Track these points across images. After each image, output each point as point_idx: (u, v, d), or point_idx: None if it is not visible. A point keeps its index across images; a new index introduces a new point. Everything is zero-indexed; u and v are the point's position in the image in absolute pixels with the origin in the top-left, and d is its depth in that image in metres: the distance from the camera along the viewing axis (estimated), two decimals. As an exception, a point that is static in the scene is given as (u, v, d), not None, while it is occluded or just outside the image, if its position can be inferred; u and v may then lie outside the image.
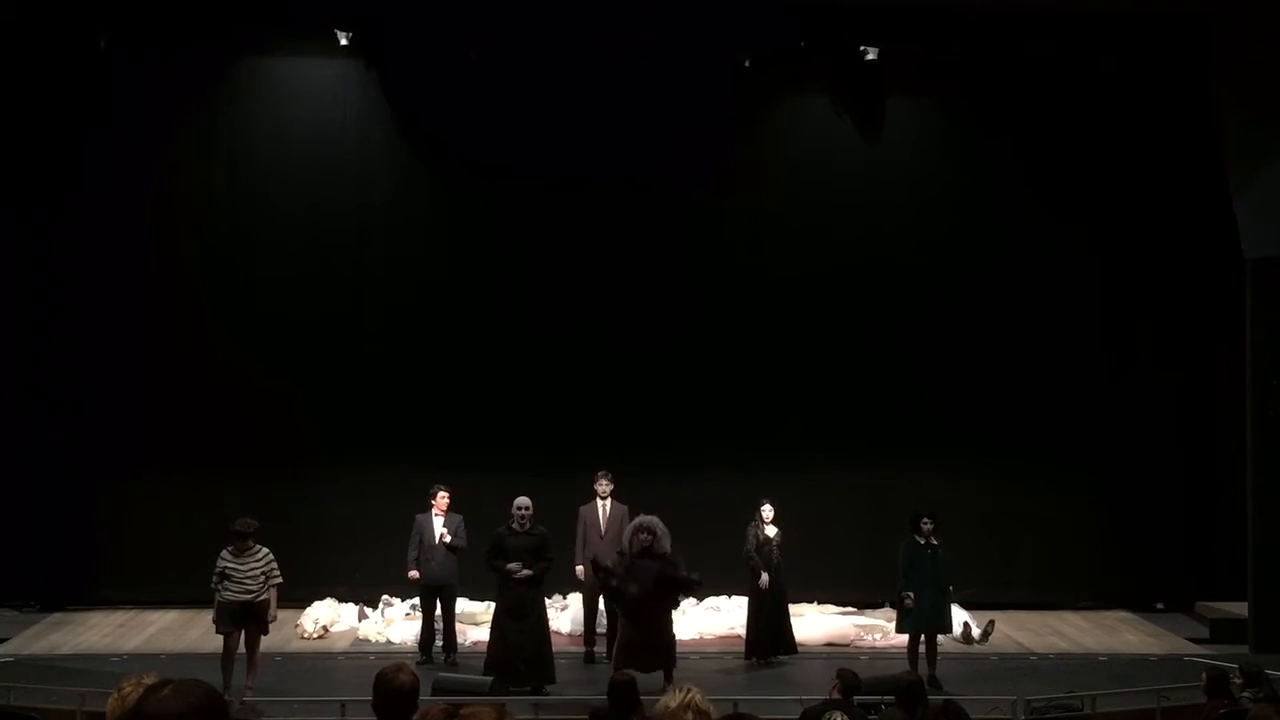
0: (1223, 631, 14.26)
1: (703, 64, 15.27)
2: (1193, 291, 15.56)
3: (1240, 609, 14.35)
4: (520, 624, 11.88)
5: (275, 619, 11.91)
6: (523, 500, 12.17)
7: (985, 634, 14.19)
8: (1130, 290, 15.73)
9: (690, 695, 4.40)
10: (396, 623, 14.24)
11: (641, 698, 8.13)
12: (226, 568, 11.62)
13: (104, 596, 15.27)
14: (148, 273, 15.46)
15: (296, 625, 14.22)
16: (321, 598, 14.71)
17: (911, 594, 12.19)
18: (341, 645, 13.92)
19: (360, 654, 13.39)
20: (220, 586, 11.62)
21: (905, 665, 11.85)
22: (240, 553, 11.66)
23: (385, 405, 15.46)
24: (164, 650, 13.39)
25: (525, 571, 11.91)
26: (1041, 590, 15.64)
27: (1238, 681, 9.33)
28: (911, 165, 15.88)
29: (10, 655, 13.19)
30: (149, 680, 3.40)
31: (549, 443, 15.12)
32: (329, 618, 14.40)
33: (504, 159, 15.44)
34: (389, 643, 13.84)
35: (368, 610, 14.61)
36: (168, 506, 15.21)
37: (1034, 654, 13.83)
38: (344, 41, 15.15)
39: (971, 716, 6.46)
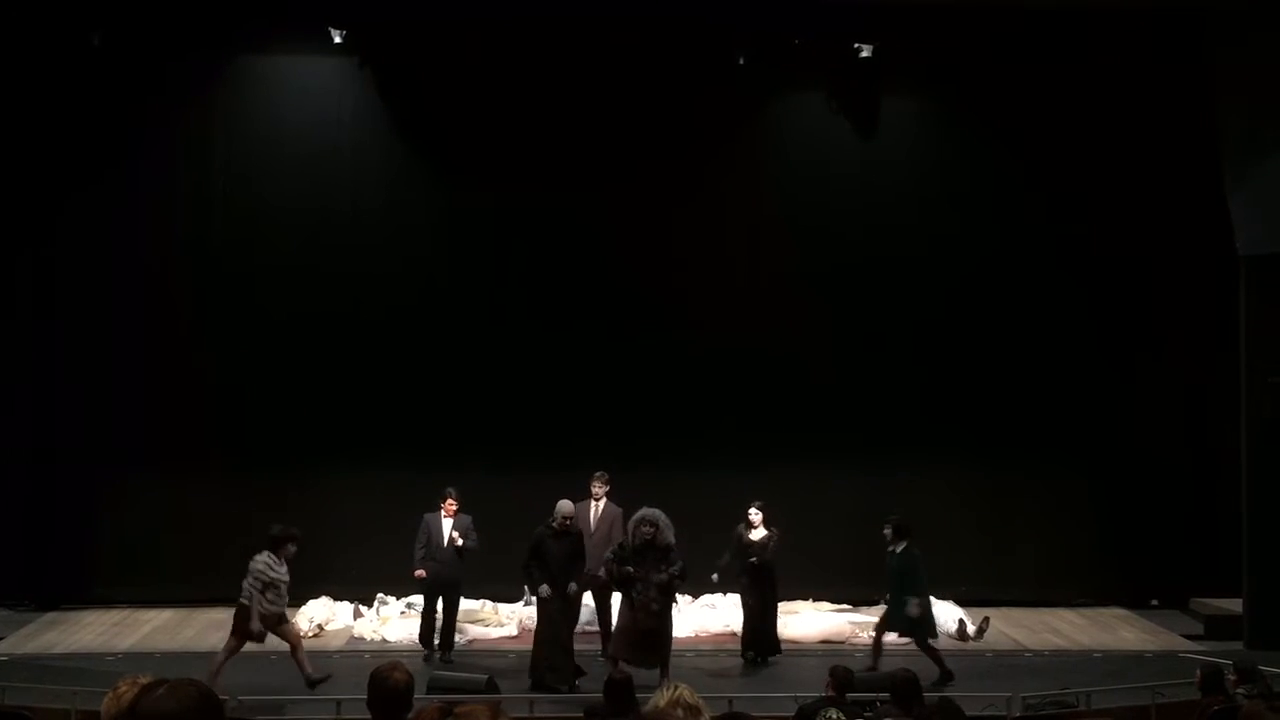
0: (1217, 628, 14.29)
1: (697, 61, 15.27)
2: (1188, 288, 15.56)
3: (1235, 605, 14.37)
4: (570, 626, 12.08)
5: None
6: (565, 506, 12.20)
7: (981, 631, 14.21)
8: (1126, 287, 15.73)
9: (679, 692, 4.45)
10: (392, 621, 14.23)
11: (637, 696, 8.13)
12: (275, 578, 11.53)
13: (99, 596, 15.25)
14: (144, 271, 15.43)
15: (292, 623, 14.20)
16: (317, 596, 14.69)
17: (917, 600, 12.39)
18: (337, 644, 13.91)
19: (355, 652, 13.38)
20: (266, 596, 11.50)
21: (900, 663, 11.84)
22: (284, 561, 11.63)
23: (381, 404, 15.45)
24: (159, 649, 13.39)
25: (545, 590, 12.09)
26: (1037, 587, 15.65)
27: (1232, 678, 9.34)
28: (907, 162, 15.88)
29: (4, 654, 13.17)
30: (144, 680, 3.40)
31: (546, 441, 15.10)
32: (324, 616, 14.39)
33: (499, 157, 15.43)
34: (384, 641, 13.84)
35: (363, 609, 14.60)
36: (163, 506, 15.19)
37: (1029, 651, 13.85)
38: (338, 39, 15.14)
39: (967, 713, 6.47)
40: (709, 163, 15.64)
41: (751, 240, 15.79)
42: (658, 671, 11.47)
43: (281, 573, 11.59)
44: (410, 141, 15.78)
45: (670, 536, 11.94)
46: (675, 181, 15.53)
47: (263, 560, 11.52)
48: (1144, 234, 15.55)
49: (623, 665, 11.09)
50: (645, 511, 12.06)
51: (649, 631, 11.73)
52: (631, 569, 11.78)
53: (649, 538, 11.85)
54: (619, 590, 12.14)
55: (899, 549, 12.52)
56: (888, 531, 12.62)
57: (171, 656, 12.92)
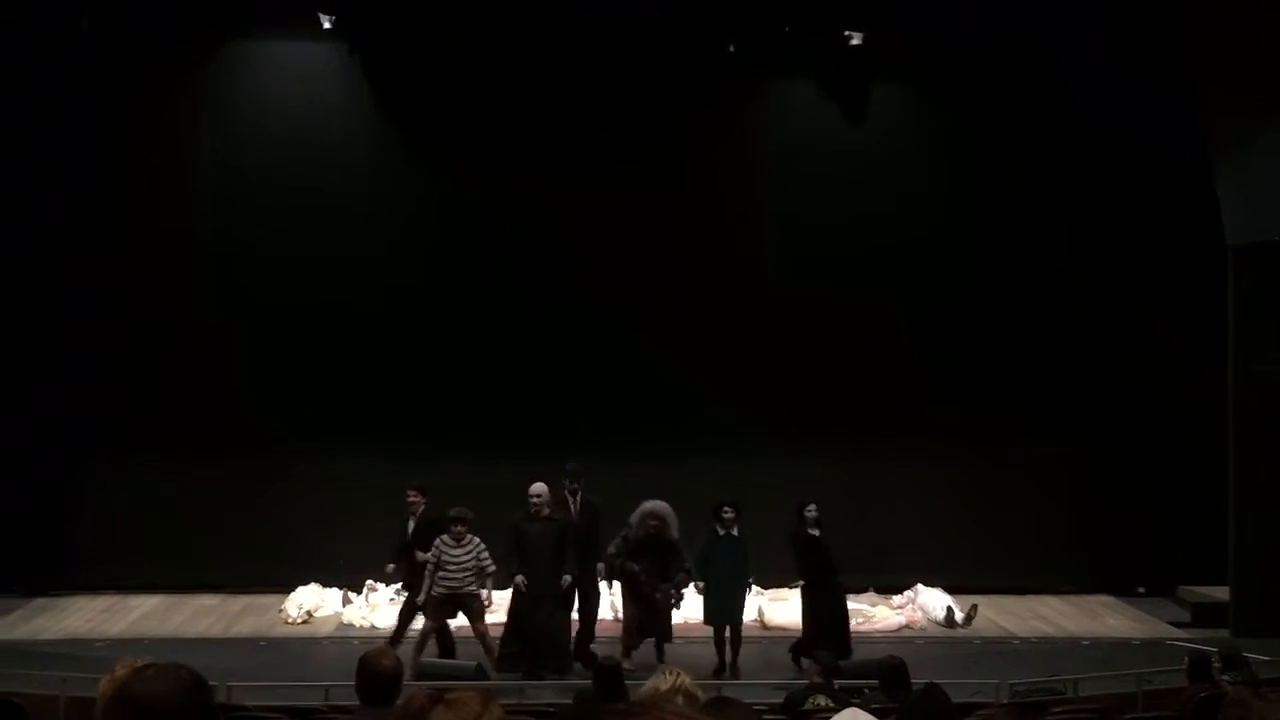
0: (1204, 615, 14.32)
1: (688, 48, 15.25)
2: (1175, 277, 15.57)
3: (1221, 593, 14.40)
4: (537, 612, 11.83)
5: (491, 605, 12.11)
6: (538, 487, 11.98)
7: (968, 618, 14.25)
8: (1113, 275, 15.76)
9: (680, 679, 4.48)
10: (381, 608, 14.23)
11: (627, 683, 8.16)
12: (442, 557, 11.73)
13: (86, 581, 15.21)
14: (131, 257, 15.39)
15: (280, 610, 14.22)
16: (305, 583, 14.69)
17: (702, 584, 12.18)
18: (326, 630, 13.91)
19: (344, 639, 13.38)
20: (433, 576, 11.75)
21: (889, 649, 11.86)
22: (458, 541, 11.78)
23: (370, 391, 15.42)
24: (148, 635, 13.37)
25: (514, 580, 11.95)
26: (1025, 575, 15.68)
27: (1218, 665, 9.37)
28: (896, 149, 15.89)
29: (-7, 640, 13.17)
30: (142, 664, 3.41)
31: (537, 430, 15.05)
32: (313, 603, 14.38)
33: (488, 144, 15.40)
34: (373, 628, 13.83)
35: (352, 595, 14.59)
36: (150, 492, 15.18)
37: (1017, 638, 13.90)
38: (327, 25, 15.10)
39: (954, 700, 6.49)
40: (699, 149, 15.63)
41: (742, 227, 15.78)
42: (655, 658, 11.51)
43: (454, 554, 11.78)
44: (399, 127, 15.75)
45: (675, 531, 11.95)
46: (665, 168, 15.52)
47: (437, 542, 11.82)
48: (1132, 222, 15.57)
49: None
50: (652, 505, 12.03)
51: (664, 616, 11.79)
52: (637, 567, 11.76)
53: (655, 531, 11.86)
54: (623, 583, 12.07)
55: (736, 532, 12.25)
56: (732, 513, 12.23)
57: (160, 642, 12.89)
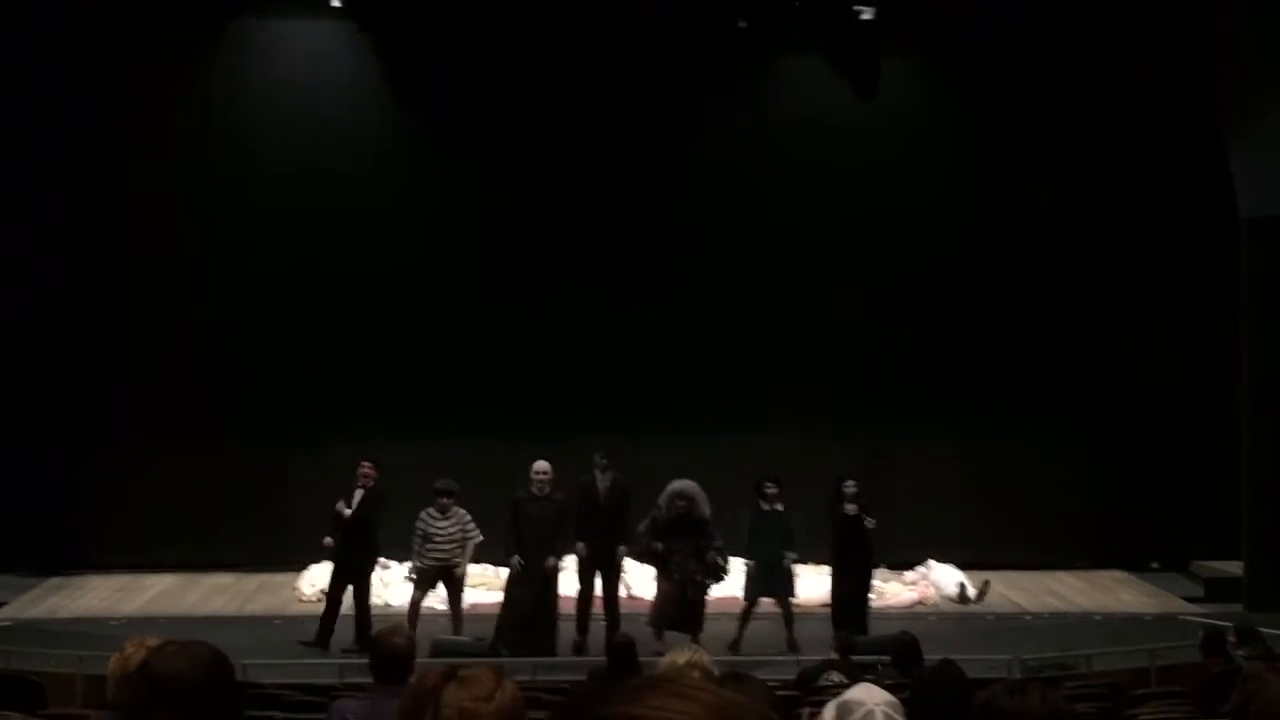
0: (1217, 590, 14.32)
1: (699, 24, 15.20)
2: (1189, 251, 15.52)
3: (1235, 568, 14.40)
4: (527, 591, 11.85)
5: (464, 574, 12.17)
6: (541, 465, 11.94)
7: (981, 594, 14.26)
8: (1127, 250, 15.70)
9: (698, 655, 4.52)
10: (394, 586, 14.23)
11: (640, 660, 8.18)
12: (428, 529, 11.76)
13: (101, 561, 15.25)
14: (139, 237, 15.38)
15: (294, 588, 14.26)
16: (319, 561, 14.70)
17: (753, 562, 12.18)
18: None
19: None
20: (421, 549, 11.78)
21: (901, 626, 11.86)
22: (443, 513, 11.80)
23: (381, 370, 15.42)
24: (163, 614, 13.42)
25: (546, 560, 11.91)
26: (1037, 550, 15.67)
27: (1232, 640, 9.37)
28: (907, 125, 15.84)
29: (9, 619, 13.23)
30: (150, 643, 3.42)
31: (546, 408, 15.04)
32: (326, 581, 14.37)
33: (496, 122, 15.36)
34: (387, 606, 13.83)
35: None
36: (165, 471, 15.19)
37: (1030, 613, 13.90)
38: (337, 3, 15.06)
39: (968, 676, 6.49)
40: (709, 125, 15.58)
41: (751, 205, 15.74)
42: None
43: (440, 526, 11.83)
44: (408, 105, 15.71)
45: (706, 509, 11.92)
46: (675, 145, 15.47)
47: (423, 514, 11.86)
48: (1143, 197, 15.51)
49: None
50: (680, 485, 12.00)
51: (695, 603, 11.76)
52: (661, 546, 11.76)
53: (684, 511, 11.84)
54: (654, 564, 12.07)
55: (780, 506, 12.28)
56: (775, 488, 12.26)
57: (175, 620, 12.94)
